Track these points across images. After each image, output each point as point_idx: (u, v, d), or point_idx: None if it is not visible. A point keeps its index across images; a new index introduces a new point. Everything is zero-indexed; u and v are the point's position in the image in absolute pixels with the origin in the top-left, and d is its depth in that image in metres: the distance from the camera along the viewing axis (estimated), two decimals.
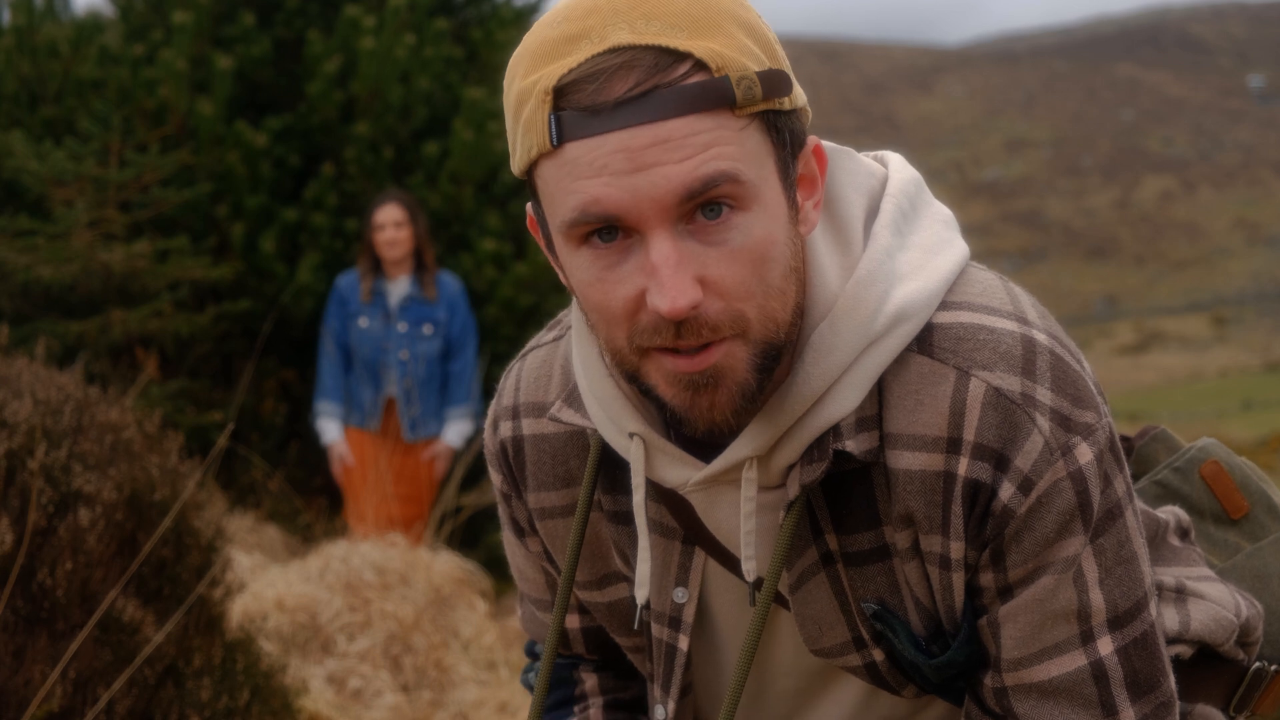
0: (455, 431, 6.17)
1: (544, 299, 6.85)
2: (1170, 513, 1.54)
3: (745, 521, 1.35)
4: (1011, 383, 1.30)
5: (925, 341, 1.32)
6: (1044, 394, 1.30)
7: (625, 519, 1.48)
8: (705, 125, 1.20)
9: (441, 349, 6.19)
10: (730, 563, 1.42)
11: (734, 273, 1.23)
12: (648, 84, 1.20)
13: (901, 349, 1.31)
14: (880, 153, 1.46)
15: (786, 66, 1.28)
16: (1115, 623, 1.35)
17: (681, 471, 1.37)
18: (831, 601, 1.40)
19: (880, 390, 1.33)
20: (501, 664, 5.07)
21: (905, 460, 1.32)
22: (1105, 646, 1.35)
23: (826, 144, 1.38)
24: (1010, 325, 1.33)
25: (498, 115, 7.12)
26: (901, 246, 1.37)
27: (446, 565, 5.28)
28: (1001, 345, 1.31)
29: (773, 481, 1.36)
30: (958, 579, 1.36)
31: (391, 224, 6.03)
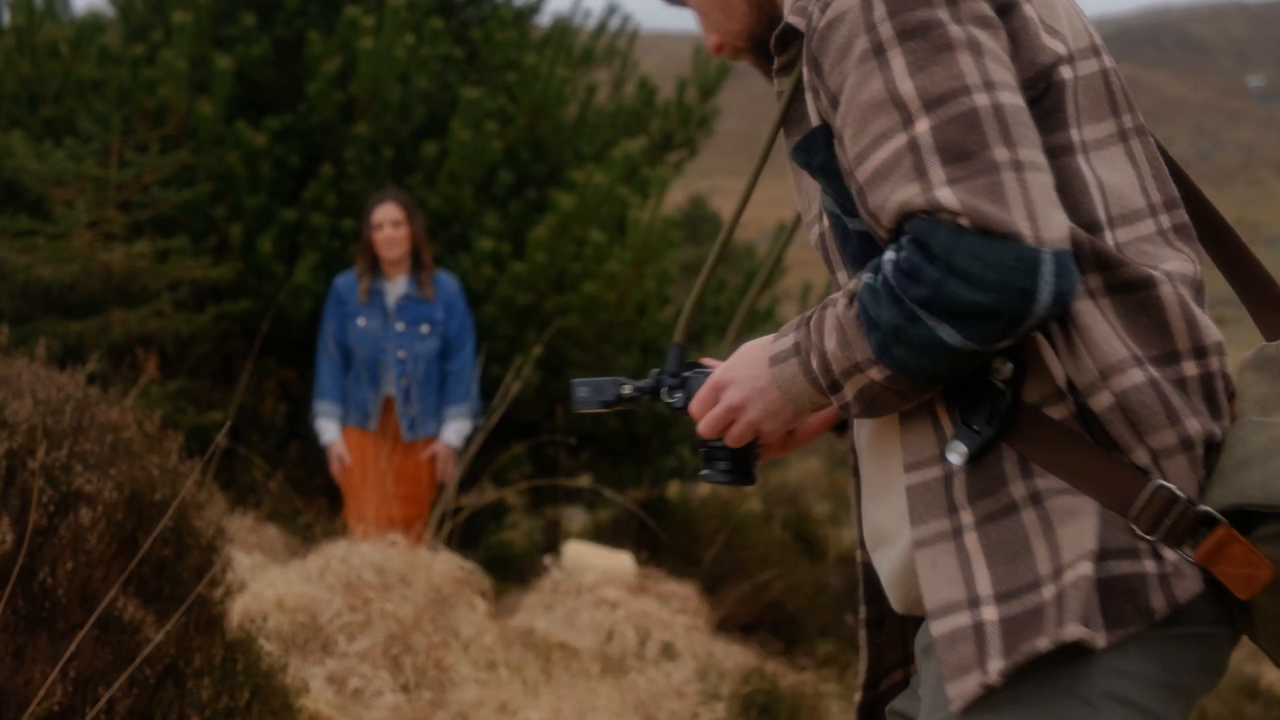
0: (454, 431, 6.17)
1: (543, 299, 6.85)
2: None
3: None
4: None
5: None
6: None
7: None
8: None
9: (439, 348, 6.19)
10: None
11: None
12: None
13: None
14: None
15: None
16: (931, 105, 1.52)
17: None
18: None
19: None
20: (501, 664, 5.07)
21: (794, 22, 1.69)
22: (922, 125, 1.51)
23: None
24: None
25: (495, 115, 7.12)
26: None
27: (446, 565, 5.28)
28: None
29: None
30: (812, 103, 1.64)
31: (390, 223, 6.03)
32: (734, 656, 6.02)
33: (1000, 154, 1.50)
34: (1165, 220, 1.67)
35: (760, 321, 8.30)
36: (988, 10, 1.58)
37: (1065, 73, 1.63)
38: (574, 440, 7.04)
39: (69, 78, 6.84)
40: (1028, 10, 1.62)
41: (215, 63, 6.55)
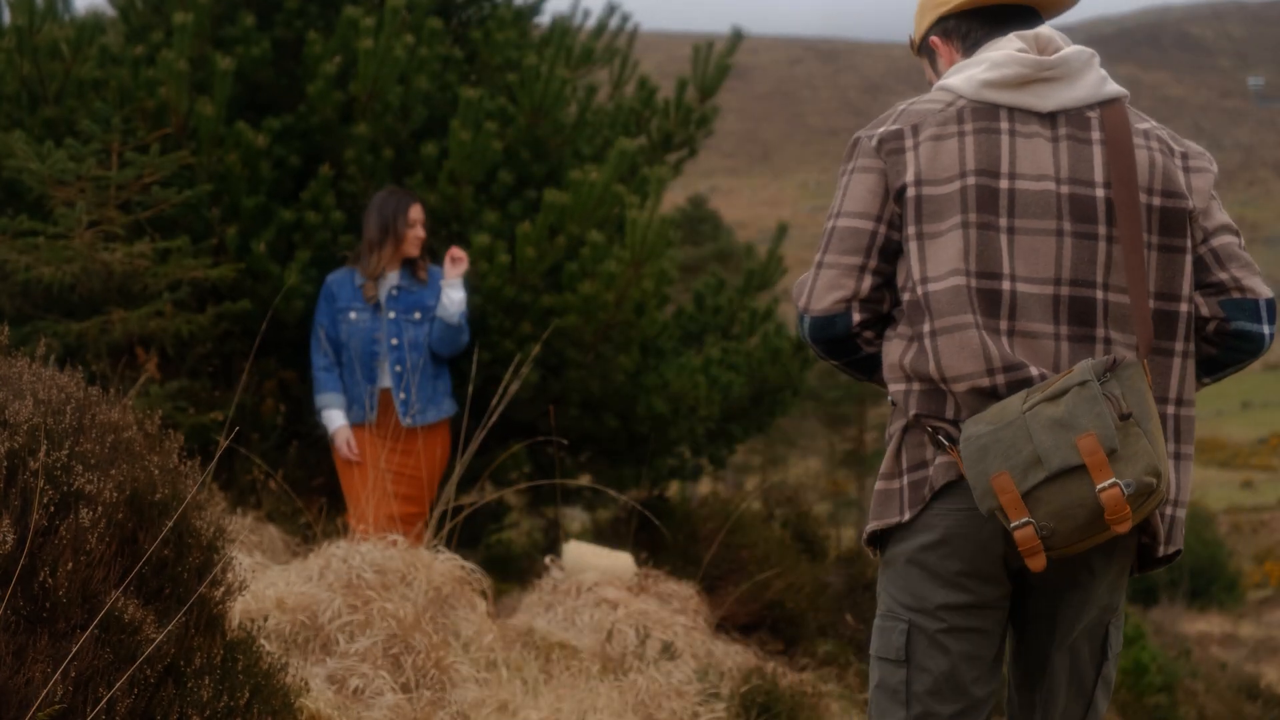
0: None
1: (536, 296, 6.85)
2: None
3: None
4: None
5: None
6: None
7: None
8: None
9: (431, 334, 6.22)
10: None
11: None
12: None
13: None
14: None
15: (914, 28, 2.95)
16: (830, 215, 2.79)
17: None
18: None
19: None
20: (501, 664, 5.07)
21: None
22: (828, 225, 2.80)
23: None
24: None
25: (495, 115, 7.12)
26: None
27: (446, 565, 5.28)
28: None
29: None
30: None
31: (420, 222, 6.26)
32: (734, 656, 6.02)
33: (816, 258, 2.74)
34: (974, 284, 2.63)
35: (760, 321, 8.31)
36: (865, 161, 2.73)
37: (924, 191, 2.68)
38: (570, 440, 7.04)
39: (69, 78, 6.83)
40: (908, 157, 2.68)
41: (215, 63, 6.55)
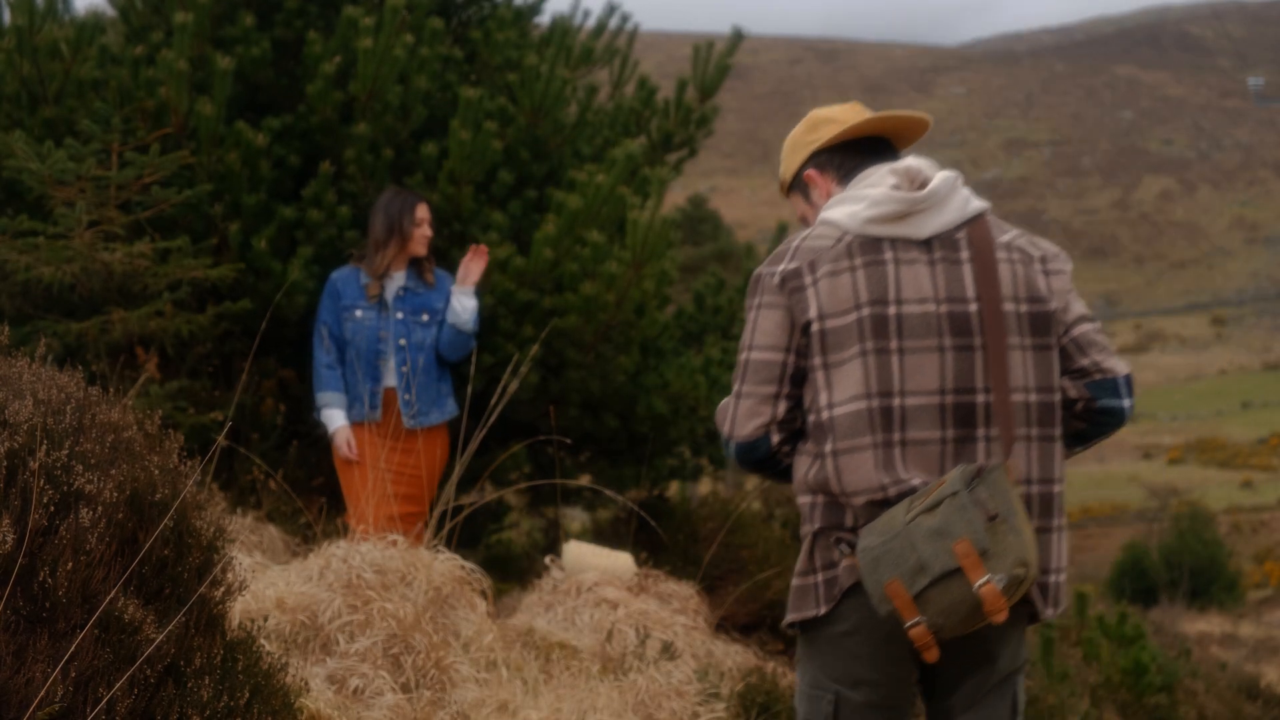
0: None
1: (543, 296, 6.85)
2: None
3: None
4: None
5: None
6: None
7: None
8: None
9: (438, 338, 6.23)
10: None
11: None
12: None
13: None
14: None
15: (783, 166, 3.36)
16: (740, 351, 3.11)
17: None
18: None
19: None
20: (501, 663, 5.07)
21: None
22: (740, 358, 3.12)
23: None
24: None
25: (494, 115, 7.12)
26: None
27: (446, 565, 5.28)
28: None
29: None
30: None
31: (427, 221, 6.27)
32: (734, 656, 6.02)
33: (735, 388, 3.10)
34: (875, 404, 2.98)
35: None
36: (770, 298, 3.05)
37: (827, 324, 3.02)
38: (570, 440, 7.04)
39: (69, 78, 6.83)
40: (809, 294, 3.02)
41: (215, 63, 6.55)
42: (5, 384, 3.17)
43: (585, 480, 7.67)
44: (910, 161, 3.15)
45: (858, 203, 3.06)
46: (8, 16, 7.00)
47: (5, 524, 2.83)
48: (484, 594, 5.39)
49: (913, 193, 3.06)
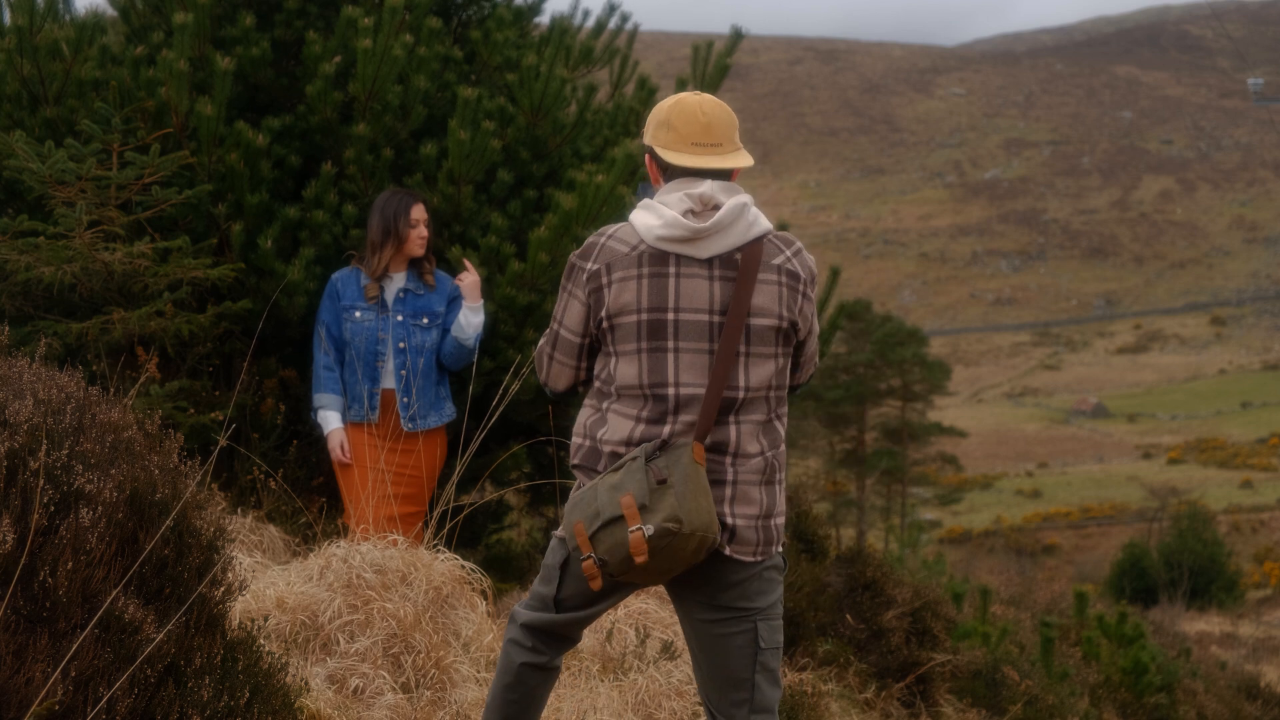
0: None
1: (544, 298, 6.85)
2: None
3: None
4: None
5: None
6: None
7: None
8: None
9: (438, 341, 6.22)
10: None
11: None
12: None
13: None
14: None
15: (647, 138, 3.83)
16: (552, 320, 3.81)
17: None
18: None
19: None
20: None
21: None
22: (551, 328, 3.83)
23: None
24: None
25: (493, 115, 7.12)
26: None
27: (446, 565, 5.28)
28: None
29: None
30: None
31: (423, 221, 6.23)
32: None
33: (548, 349, 3.82)
34: (648, 391, 3.61)
35: None
36: (577, 290, 3.69)
37: (615, 321, 3.65)
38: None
39: (69, 78, 6.84)
40: (605, 294, 3.64)
41: (215, 63, 6.55)
42: (5, 384, 3.17)
43: None
44: (705, 188, 3.65)
45: (656, 217, 3.63)
46: (8, 16, 7.00)
47: (5, 524, 2.83)
48: (484, 594, 5.39)
49: (699, 224, 3.61)
